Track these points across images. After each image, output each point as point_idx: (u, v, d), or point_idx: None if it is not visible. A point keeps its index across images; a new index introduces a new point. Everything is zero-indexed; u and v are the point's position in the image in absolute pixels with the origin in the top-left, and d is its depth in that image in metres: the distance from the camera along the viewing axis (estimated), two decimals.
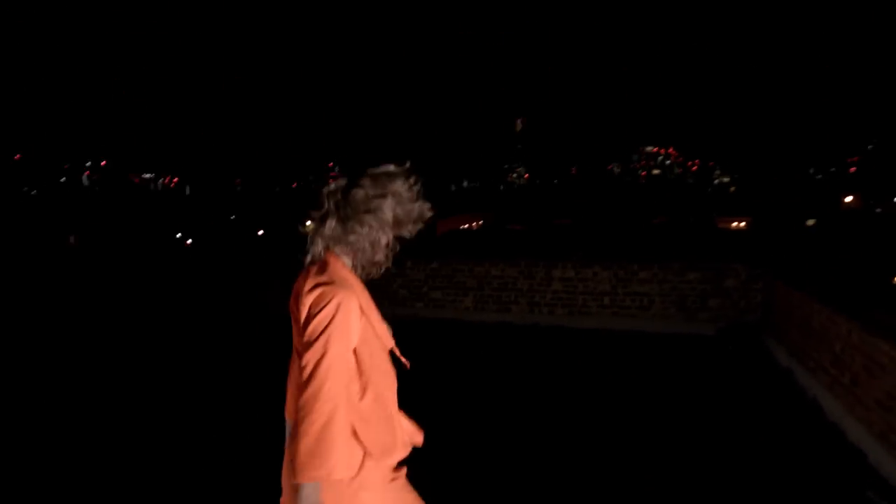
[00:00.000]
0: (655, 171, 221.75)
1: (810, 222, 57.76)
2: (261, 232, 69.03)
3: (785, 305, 5.48)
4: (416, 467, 1.87)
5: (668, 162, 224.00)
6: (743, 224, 62.75)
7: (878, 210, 72.64)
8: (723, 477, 3.46)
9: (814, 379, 4.63)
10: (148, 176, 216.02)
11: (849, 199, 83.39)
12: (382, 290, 7.86)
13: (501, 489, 3.32)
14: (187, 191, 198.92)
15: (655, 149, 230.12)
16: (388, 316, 6.30)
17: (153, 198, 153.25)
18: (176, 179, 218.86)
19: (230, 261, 8.93)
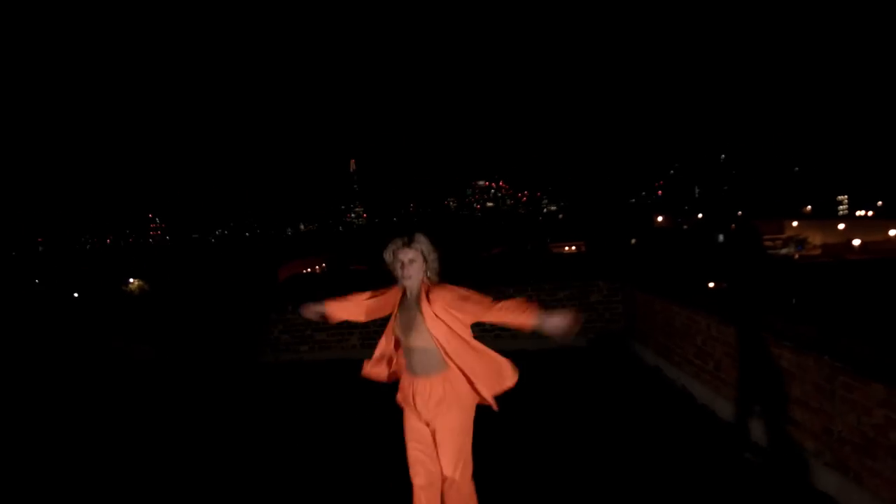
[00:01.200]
0: (489, 204, 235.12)
1: (633, 241, 64.92)
2: (76, 294, 61.74)
3: (646, 311, 6.27)
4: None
5: (499, 194, 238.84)
6: (574, 248, 68.66)
7: (685, 227, 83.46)
8: (614, 464, 3.90)
9: (680, 371, 5.36)
10: None
11: (660, 218, 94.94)
12: (264, 338, 7.60)
13: None
14: None
15: (487, 182, 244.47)
16: (271, 362, 6.24)
17: None
18: None
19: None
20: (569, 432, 4.54)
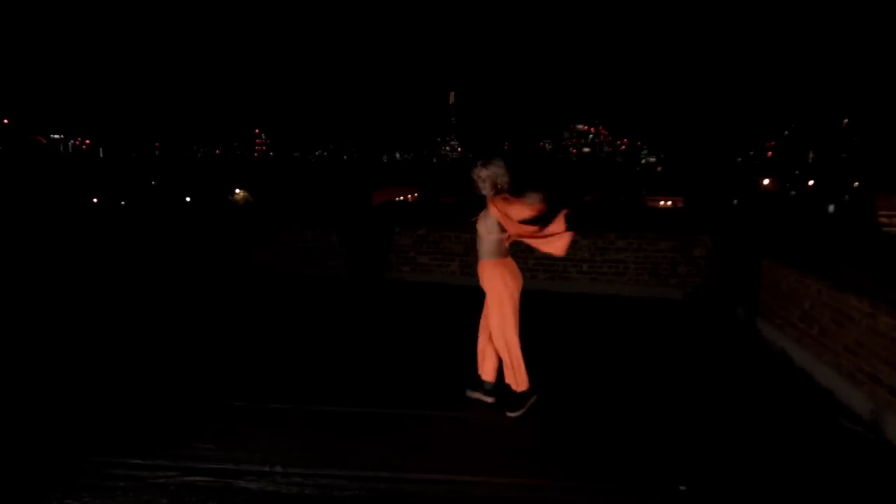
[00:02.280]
0: (586, 150, 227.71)
1: (734, 202, 61.39)
2: (188, 199, 66.37)
3: (750, 271, 6.18)
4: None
5: (597, 140, 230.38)
6: (670, 203, 65.81)
7: (793, 193, 77.71)
8: (710, 421, 4.04)
9: (781, 333, 5.33)
10: (56, 137, 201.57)
11: (766, 181, 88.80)
12: (370, 256, 8.11)
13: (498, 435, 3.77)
14: (101, 154, 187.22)
15: (585, 127, 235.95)
16: (376, 279, 6.76)
17: (62, 160, 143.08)
18: (88, 142, 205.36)
19: (178, 223, 8.78)
20: (663, 383, 4.70)
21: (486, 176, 3.78)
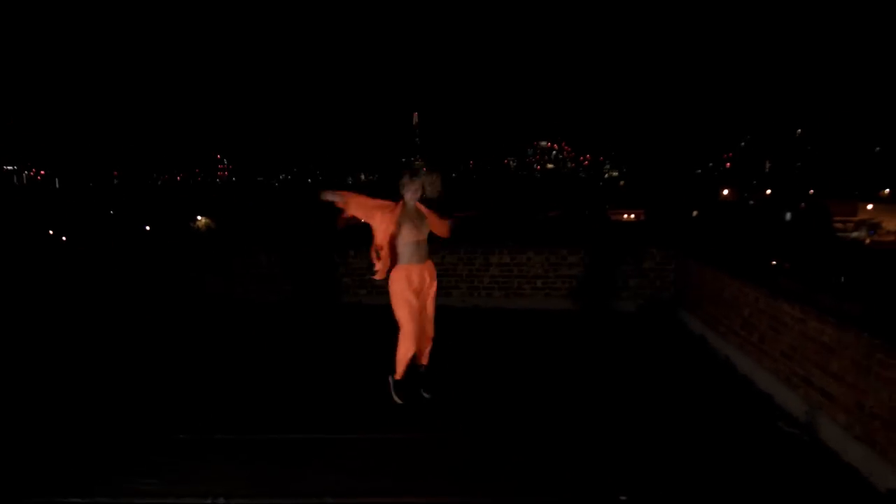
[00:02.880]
0: (549, 166, 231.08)
1: (695, 213, 62.98)
2: (147, 227, 65.02)
3: (697, 281, 6.36)
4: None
5: (560, 156, 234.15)
6: (633, 216, 67.10)
7: (751, 202, 79.99)
8: (655, 427, 4.14)
9: (725, 341, 5.48)
10: (10, 168, 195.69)
11: (725, 192, 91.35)
12: (325, 280, 8.07)
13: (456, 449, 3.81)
14: (57, 184, 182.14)
15: (549, 143, 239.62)
16: (332, 304, 6.74)
17: (16, 192, 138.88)
18: (43, 172, 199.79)
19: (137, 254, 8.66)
20: (609, 394, 4.79)
21: (417, 187, 4.39)
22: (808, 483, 3.40)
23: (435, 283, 4.43)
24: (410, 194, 4.33)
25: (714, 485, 3.34)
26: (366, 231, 4.41)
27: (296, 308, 7.78)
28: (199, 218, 73.18)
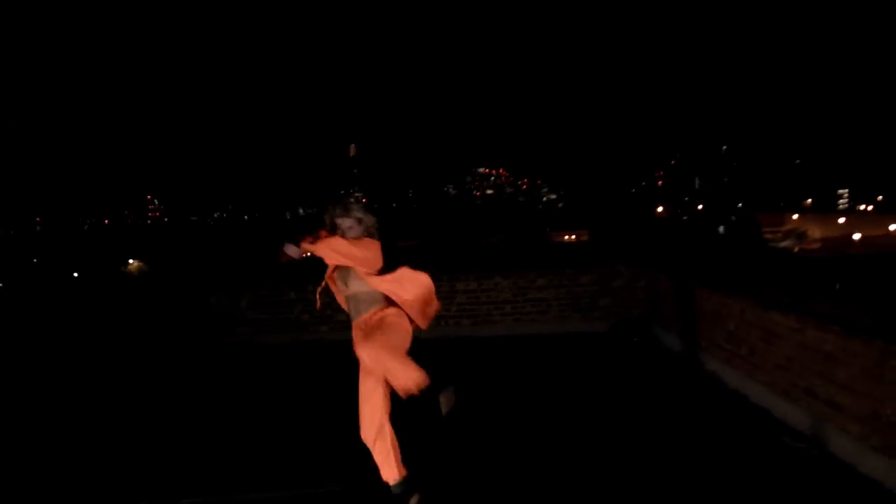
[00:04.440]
0: (489, 191, 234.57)
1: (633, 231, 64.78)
2: (75, 274, 61.57)
3: (670, 296, 6.26)
4: None
5: (499, 182, 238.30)
6: (573, 237, 68.49)
7: (684, 217, 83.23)
8: (652, 451, 3.90)
9: (709, 356, 5.36)
10: None
11: (660, 209, 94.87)
12: (283, 318, 7.58)
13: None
14: None
15: (487, 170, 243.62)
16: (291, 342, 6.19)
17: None
18: None
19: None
20: (592, 420, 4.54)
21: (351, 224, 3.27)
22: (824, 499, 3.22)
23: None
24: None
25: None
26: (317, 265, 3.77)
27: (252, 349, 7.25)
28: (130, 262, 69.97)
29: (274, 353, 7.08)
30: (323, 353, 6.91)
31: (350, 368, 3.19)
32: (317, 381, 5.71)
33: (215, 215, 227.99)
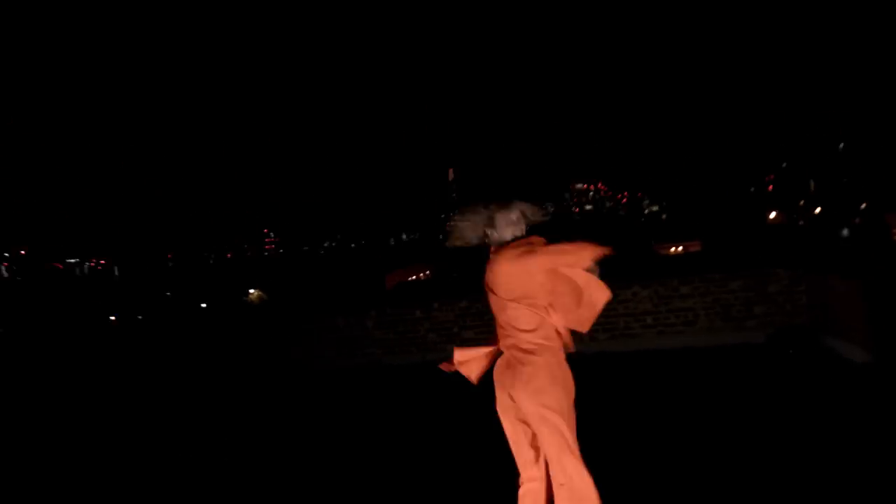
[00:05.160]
0: (588, 207, 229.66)
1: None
2: (203, 305, 66.35)
3: (853, 301, 5.45)
4: None
5: (598, 196, 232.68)
6: (680, 248, 64.93)
7: (801, 223, 77.05)
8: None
9: None
10: (72, 261, 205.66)
11: (773, 215, 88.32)
12: (410, 337, 7.44)
13: None
14: (116, 272, 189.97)
15: (585, 185, 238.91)
16: (419, 362, 5.80)
17: (79, 282, 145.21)
18: (103, 261, 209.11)
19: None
20: (773, 451, 3.91)
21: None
22: None
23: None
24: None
25: None
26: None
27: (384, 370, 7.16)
28: (251, 291, 74.42)
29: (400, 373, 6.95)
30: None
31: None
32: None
33: (325, 244, 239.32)
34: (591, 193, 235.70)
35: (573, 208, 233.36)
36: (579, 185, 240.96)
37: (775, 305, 6.49)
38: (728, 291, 6.59)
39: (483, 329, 7.20)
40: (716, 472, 3.46)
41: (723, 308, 6.60)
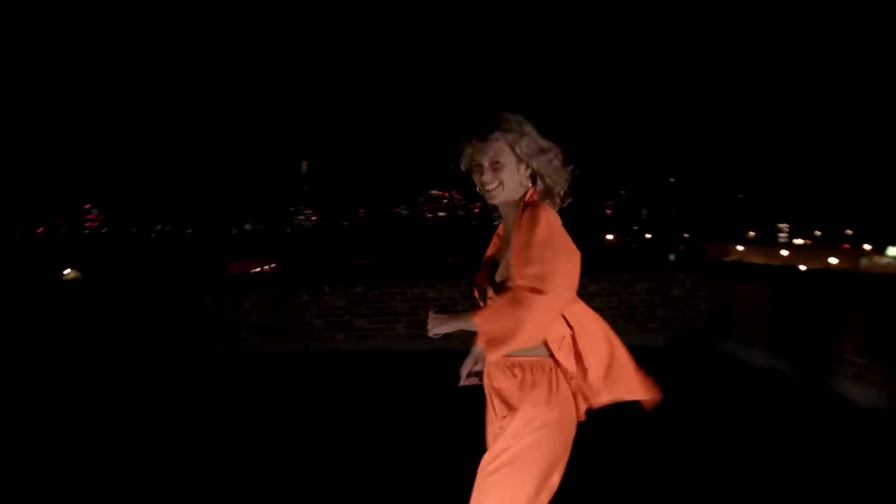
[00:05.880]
0: (441, 214, 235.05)
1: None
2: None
3: (756, 307, 5.57)
4: None
5: (451, 204, 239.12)
6: None
7: (633, 246, 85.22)
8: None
9: (830, 374, 4.64)
10: None
11: (609, 237, 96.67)
12: (292, 323, 6.50)
13: None
14: None
15: (440, 192, 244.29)
16: (301, 350, 4.93)
17: None
18: None
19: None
20: (688, 441, 3.73)
21: (495, 156, 1.67)
22: None
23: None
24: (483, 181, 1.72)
25: None
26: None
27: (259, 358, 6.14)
28: (67, 271, 65.80)
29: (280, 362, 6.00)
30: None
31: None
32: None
33: (157, 228, 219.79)
34: (446, 201, 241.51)
35: (426, 214, 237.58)
36: (434, 192, 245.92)
37: (676, 310, 6.55)
38: (634, 293, 6.53)
39: (378, 318, 6.49)
40: (603, 476, 3.15)
41: (628, 309, 6.54)
